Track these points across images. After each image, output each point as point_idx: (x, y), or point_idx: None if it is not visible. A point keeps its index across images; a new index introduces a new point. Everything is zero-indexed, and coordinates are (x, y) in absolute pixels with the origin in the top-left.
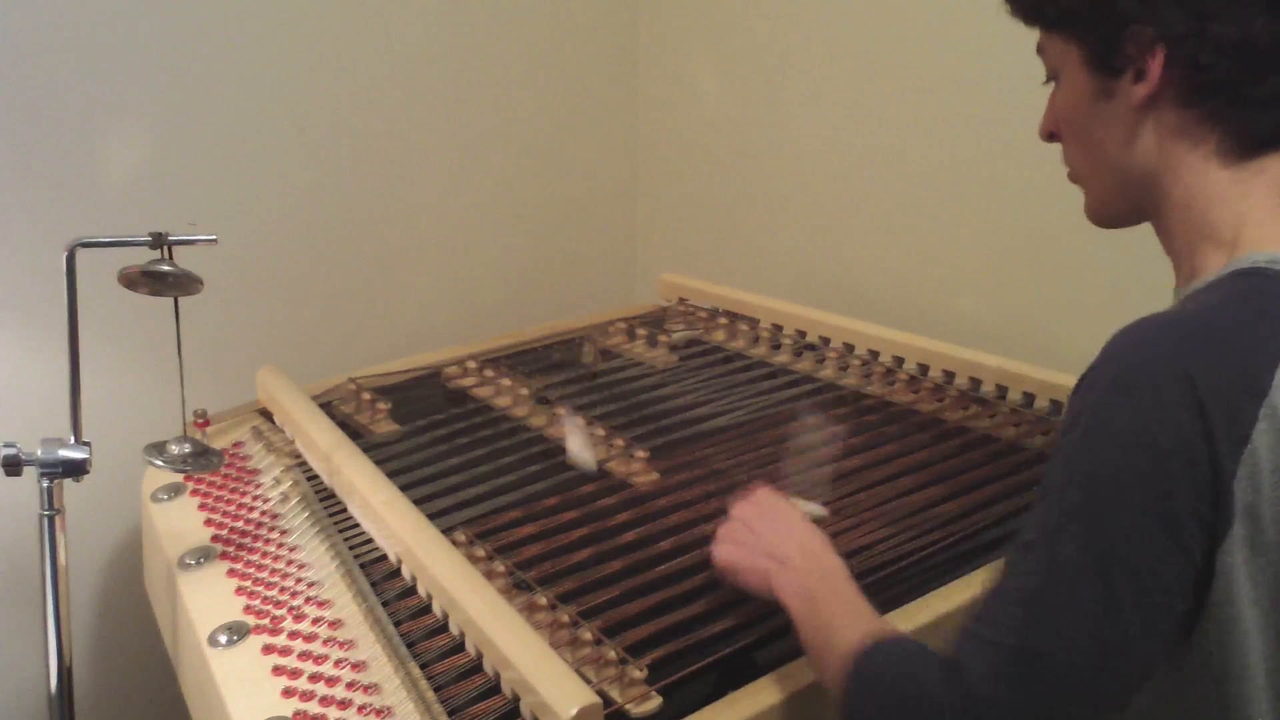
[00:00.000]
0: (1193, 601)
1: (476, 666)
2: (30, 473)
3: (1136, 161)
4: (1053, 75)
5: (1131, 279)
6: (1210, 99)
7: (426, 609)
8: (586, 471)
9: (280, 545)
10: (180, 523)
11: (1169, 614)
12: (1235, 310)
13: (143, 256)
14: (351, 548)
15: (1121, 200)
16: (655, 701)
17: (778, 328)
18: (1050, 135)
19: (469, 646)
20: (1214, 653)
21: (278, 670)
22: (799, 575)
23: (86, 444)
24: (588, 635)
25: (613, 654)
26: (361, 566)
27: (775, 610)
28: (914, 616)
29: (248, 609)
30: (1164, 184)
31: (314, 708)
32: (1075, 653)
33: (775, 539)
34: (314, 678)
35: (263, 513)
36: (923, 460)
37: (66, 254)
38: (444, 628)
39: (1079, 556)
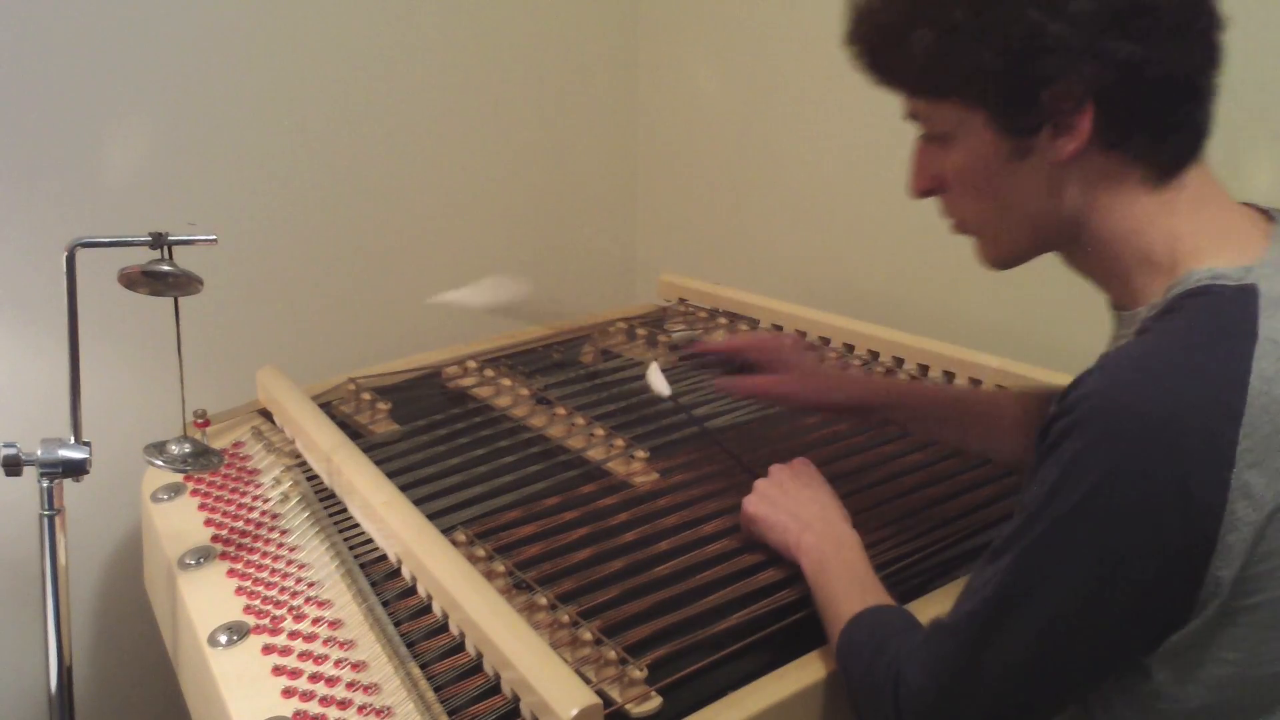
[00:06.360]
0: (1150, 638)
1: (476, 666)
2: (30, 473)
3: (1062, 210)
4: (937, 136)
5: None
6: (1133, 139)
7: (426, 609)
8: (661, 396)
9: (280, 545)
10: (180, 523)
11: (1104, 656)
12: (1202, 337)
13: (143, 256)
14: (351, 548)
15: (1032, 245)
16: (655, 701)
17: (778, 328)
18: (927, 192)
19: (469, 647)
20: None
21: (278, 670)
22: (818, 540)
23: (86, 444)
24: (588, 635)
25: (613, 654)
26: (361, 566)
27: (775, 611)
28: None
29: (248, 609)
30: (1090, 223)
31: (314, 708)
32: (1000, 669)
33: (802, 501)
34: (314, 678)
35: (263, 513)
36: (923, 460)
37: (66, 254)
38: (444, 628)
39: (1024, 585)
